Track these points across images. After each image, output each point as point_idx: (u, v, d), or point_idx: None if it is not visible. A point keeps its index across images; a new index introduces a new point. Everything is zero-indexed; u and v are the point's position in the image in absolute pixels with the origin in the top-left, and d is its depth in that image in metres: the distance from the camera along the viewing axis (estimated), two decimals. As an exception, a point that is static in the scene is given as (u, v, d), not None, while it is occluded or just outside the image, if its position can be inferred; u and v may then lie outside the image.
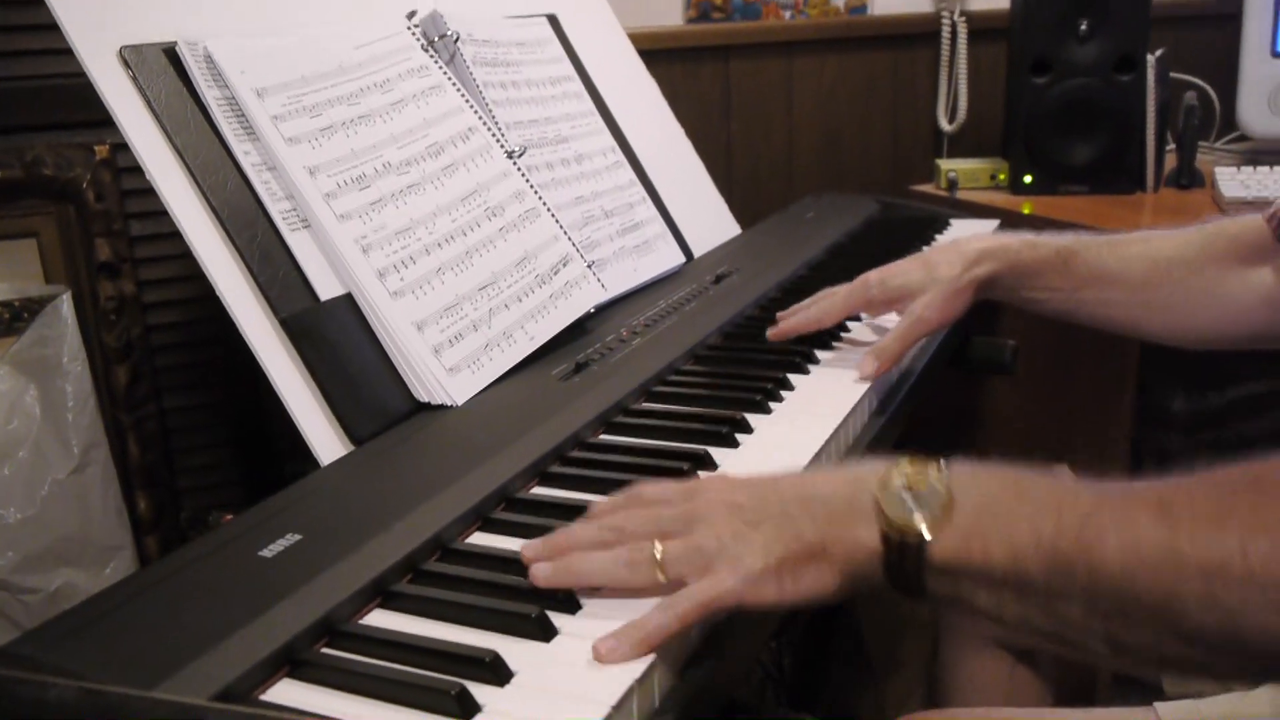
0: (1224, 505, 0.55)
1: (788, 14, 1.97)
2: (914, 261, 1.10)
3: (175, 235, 1.68)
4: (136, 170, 1.60)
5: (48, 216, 1.57)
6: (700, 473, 0.79)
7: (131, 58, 0.85)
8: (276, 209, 0.88)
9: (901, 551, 0.60)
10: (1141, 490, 0.58)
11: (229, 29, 0.93)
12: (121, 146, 1.56)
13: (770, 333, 1.09)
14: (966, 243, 1.10)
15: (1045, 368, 1.67)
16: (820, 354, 1.07)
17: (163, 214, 1.67)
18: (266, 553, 0.67)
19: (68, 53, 1.58)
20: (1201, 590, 0.53)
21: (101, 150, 1.55)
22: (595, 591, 0.65)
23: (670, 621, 0.61)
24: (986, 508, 0.59)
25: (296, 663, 0.60)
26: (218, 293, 0.83)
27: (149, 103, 0.85)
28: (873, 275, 1.10)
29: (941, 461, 0.61)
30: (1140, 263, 1.04)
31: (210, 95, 0.87)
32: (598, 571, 0.64)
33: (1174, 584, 0.54)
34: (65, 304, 1.51)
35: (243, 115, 0.88)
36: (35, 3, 1.53)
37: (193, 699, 0.51)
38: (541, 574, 0.65)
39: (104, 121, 1.58)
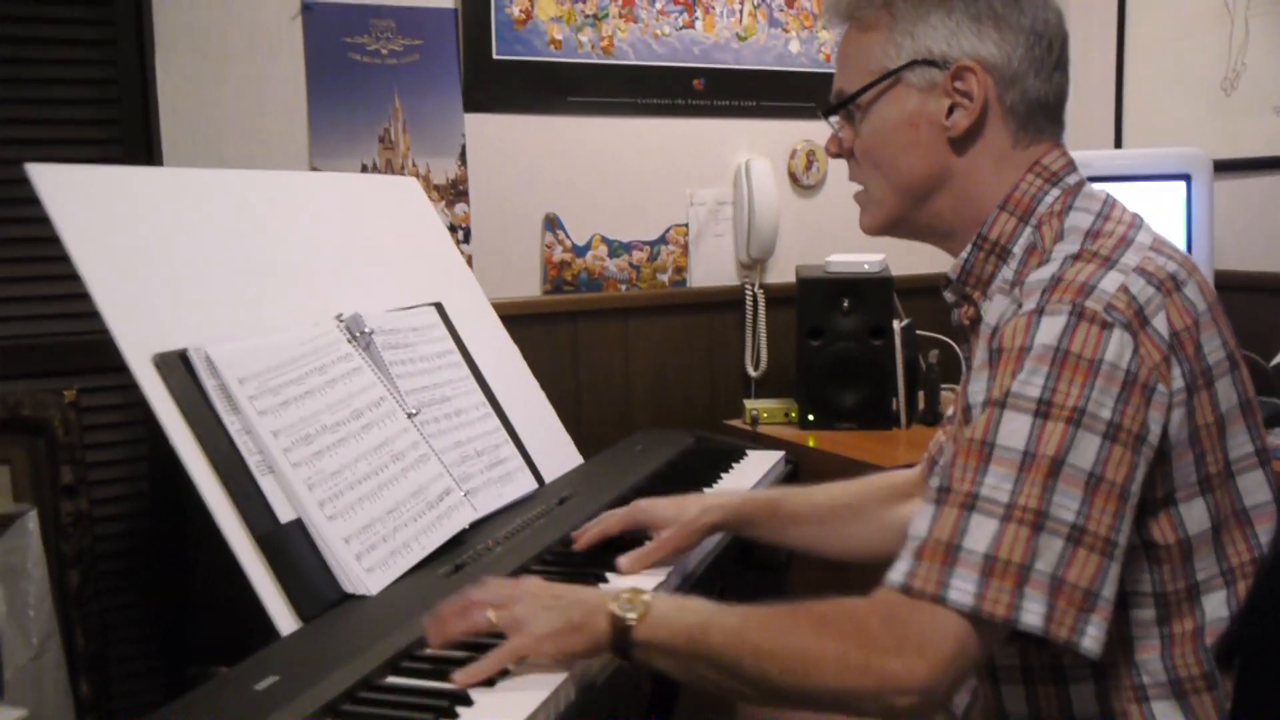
0: (773, 618, 1.03)
1: (624, 287, 2.49)
2: (674, 501, 1.51)
3: (122, 462, 2.08)
4: (95, 409, 1.99)
5: (20, 447, 1.92)
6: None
7: (159, 361, 1.27)
8: (251, 460, 1.29)
9: (618, 633, 1.08)
10: (741, 606, 1.06)
11: (225, 330, 1.37)
12: (85, 390, 1.96)
13: (576, 546, 1.49)
14: (710, 497, 1.55)
15: (818, 568, 2.13)
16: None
17: (114, 445, 2.09)
18: (258, 687, 1.05)
19: (43, 317, 2.02)
20: (753, 661, 1.01)
21: (69, 394, 1.93)
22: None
23: (490, 665, 1.09)
24: (665, 614, 1.07)
25: (284, 750, 0.98)
26: (213, 517, 1.22)
27: (170, 391, 1.26)
28: (643, 504, 1.51)
29: (654, 592, 1.10)
30: (823, 507, 1.51)
31: (209, 384, 1.29)
32: (459, 630, 1.14)
33: (740, 657, 1.02)
34: (32, 520, 1.84)
35: (230, 396, 1.30)
36: (9, 280, 1.97)
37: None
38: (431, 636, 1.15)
39: (71, 370, 2.00)
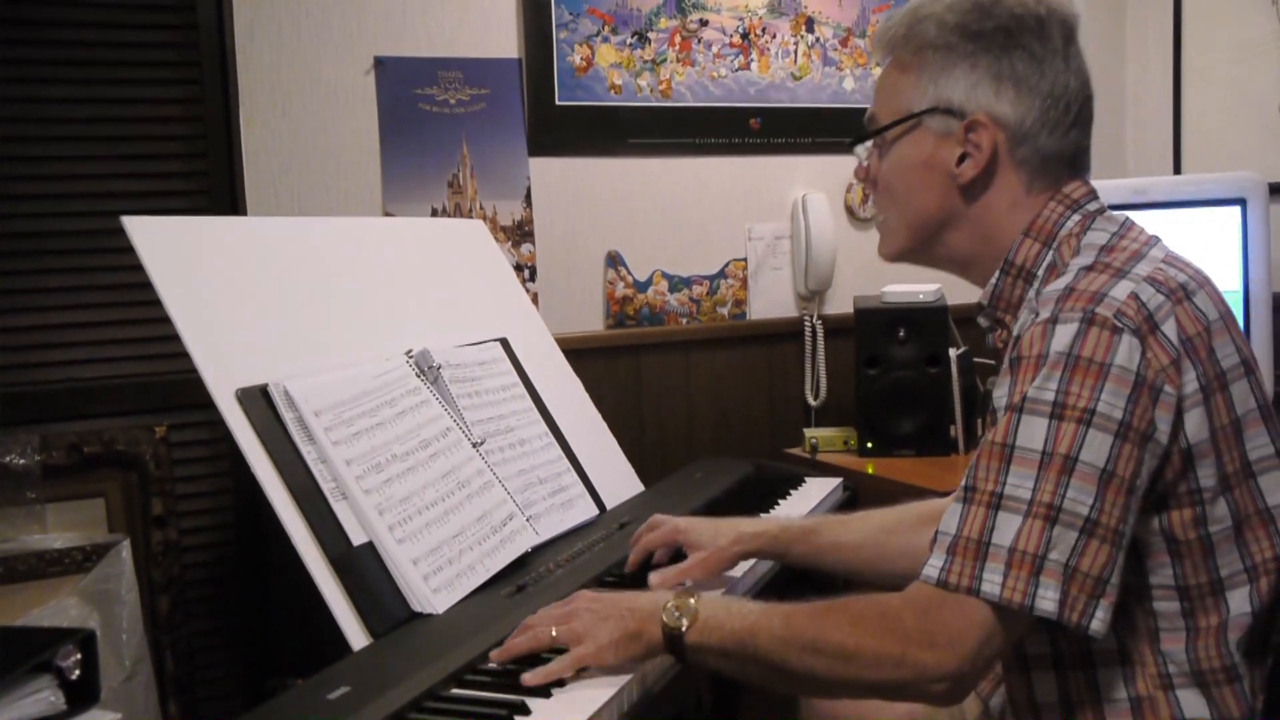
0: (814, 618, 1.11)
1: (684, 320, 2.57)
2: (711, 524, 1.57)
3: (208, 494, 2.19)
4: (184, 444, 2.10)
5: (114, 481, 2.04)
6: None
7: (241, 396, 1.37)
8: (326, 487, 1.38)
9: (672, 638, 1.17)
10: (783, 606, 1.13)
11: (303, 366, 1.46)
12: (175, 426, 2.08)
13: (627, 568, 1.56)
14: (747, 524, 1.59)
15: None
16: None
17: (201, 478, 2.19)
18: (331, 697, 1.13)
19: (135, 358, 2.13)
20: (798, 659, 1.10)
21: (160, 430, 2.05)
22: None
23: (560, 668, 1.18)
24: (713, 617, 1.16)
25: (355, 753, 1.06)
26: (291, 539, 1.31)
27: (251, 423, 1.36)
28: (682, 523, 1.57)
29: (700, 595, 1.18)
30: (859, 533, 1.55)
31: (287, 416, 1.39)
32: (525, 647, 1.23)
33: (786, 657, 1.10)
34: (125, 549, 1.95)
35: (307, 427, 1.40)
36: (105, 324, 2.08)
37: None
38: (497, 655, 1.24)
39: (162, 408, 2.11)
